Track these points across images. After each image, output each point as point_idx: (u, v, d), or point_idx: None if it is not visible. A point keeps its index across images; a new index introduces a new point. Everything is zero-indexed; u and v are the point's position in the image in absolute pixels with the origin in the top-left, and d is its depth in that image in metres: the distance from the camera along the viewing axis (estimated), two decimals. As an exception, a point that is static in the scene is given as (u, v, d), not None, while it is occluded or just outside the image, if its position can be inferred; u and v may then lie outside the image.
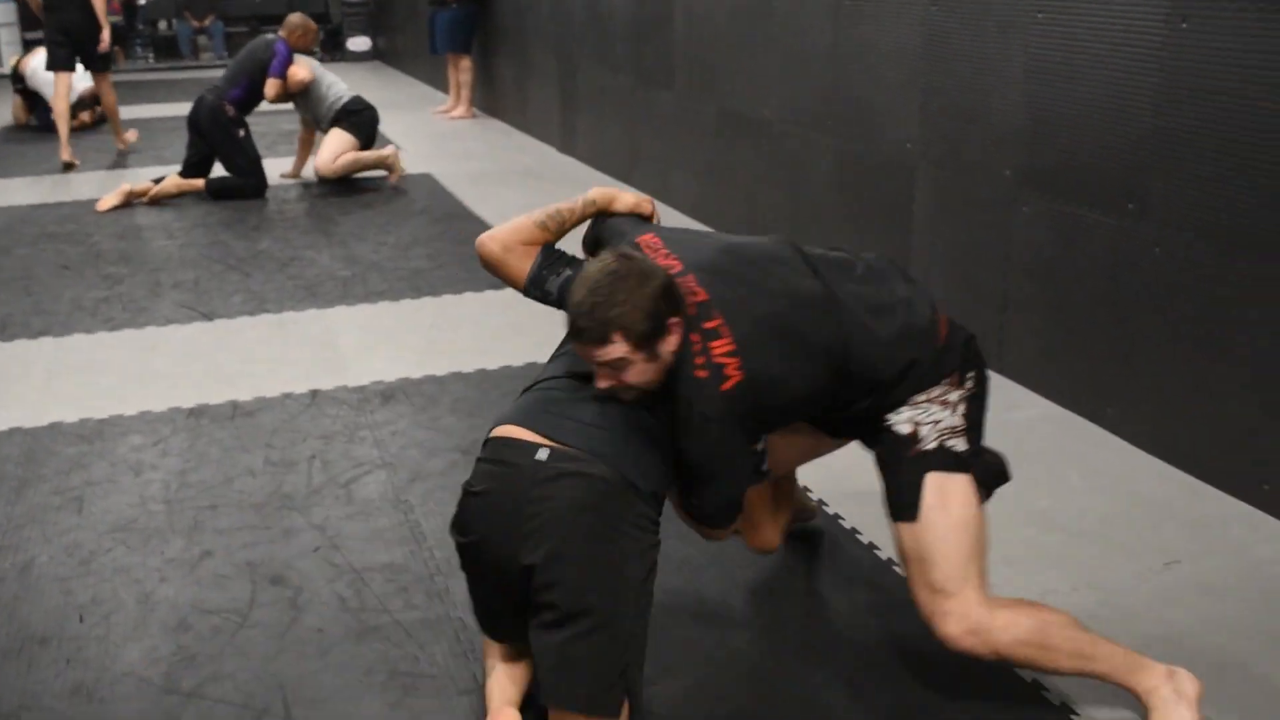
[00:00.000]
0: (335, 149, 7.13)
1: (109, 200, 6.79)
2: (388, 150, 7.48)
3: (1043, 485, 3.20)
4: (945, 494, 2.24)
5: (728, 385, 2.13)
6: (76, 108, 9.70)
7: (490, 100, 10.26)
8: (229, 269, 5.51)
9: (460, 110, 10.27)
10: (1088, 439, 3.47)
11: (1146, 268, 3.30)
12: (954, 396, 2.30)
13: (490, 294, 5.05)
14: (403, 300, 5.01)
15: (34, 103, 9.94)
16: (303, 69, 7.03)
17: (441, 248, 5.84)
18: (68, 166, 8.04)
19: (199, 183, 6.92)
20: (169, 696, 2.39)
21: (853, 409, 2.32)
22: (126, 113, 10.51)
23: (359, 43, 15.52)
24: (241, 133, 6.95)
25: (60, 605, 2.73)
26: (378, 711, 2.33)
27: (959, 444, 2.28)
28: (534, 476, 2.11)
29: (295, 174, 7.66)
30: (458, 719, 2.30)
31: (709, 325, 2.16)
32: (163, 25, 16.99)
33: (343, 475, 3.35)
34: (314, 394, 3.96)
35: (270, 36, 7.17)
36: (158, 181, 6.93)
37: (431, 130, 9.61)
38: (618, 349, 2.08)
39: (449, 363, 4.21)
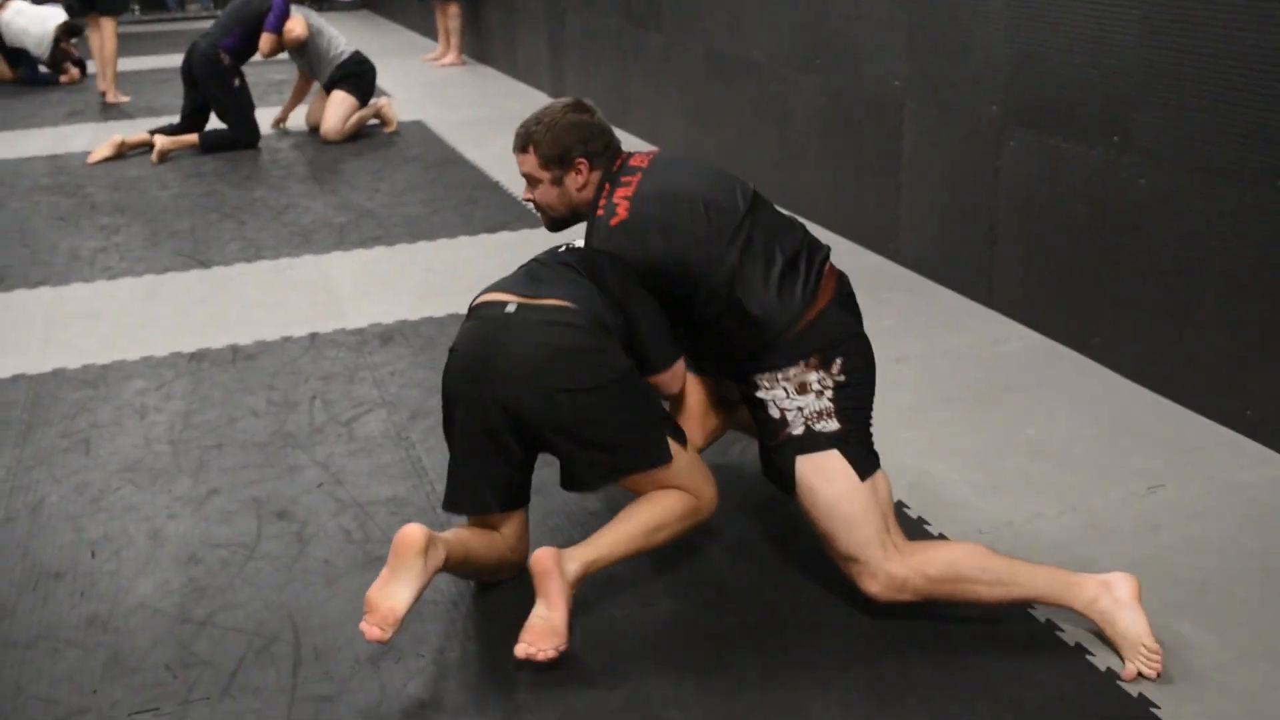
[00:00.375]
0: (341, 114, 7.09)
1: (101, 152, 6.80)
2: (382, 101, 7.48)
3: (1031, 414, 3.27)
4: (821, 472, 2.36)
5: (614, 220, 2.47)
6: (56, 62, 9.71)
7: (479, 46, 10.24)
8: (224, 218, 5.54)
9: (450, 57, 10.25)
10: (1074, 369, 3.54)
11: (1130, 199, 3.35)
12: (814, 380, 2.40)
13: (485, 238, 5.10)
14: (398, 245, 5.05)
15: (17, 58, 9.90)
16: (299, 25, 6.97)
17: (436, 194, 5.87)
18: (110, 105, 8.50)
19: (193, 138, 6.91)
20: (182, 626, 2.46)
21: (712, 339, 2.48)
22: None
23: (346, -9, 15.43)
24: (236, 82, 6.92)
25: (72, 542, 2.80)
26: (385, 636, 2.40)
27: (829, 425, 2.38)
28: (505, 324, 2.38)
29: (282, 120, 7.63)
30: (461, 643, 2.38)
31: (625, 179, 2.52)
32: (148, -24, 16.82)
33: (344, 414, 3.41)
34: (313, 337, 4.01)
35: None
36: (153, 133, 6.91)
37: (422, 78, 9.59)
38: (528, 161, 2.58)
39: (447, 304, 4.26)
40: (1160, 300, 3.31)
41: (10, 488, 3.07)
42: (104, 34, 8.52)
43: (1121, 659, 2.22)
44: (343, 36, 7.31)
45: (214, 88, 6.86)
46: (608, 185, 2.55)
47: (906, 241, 4.44)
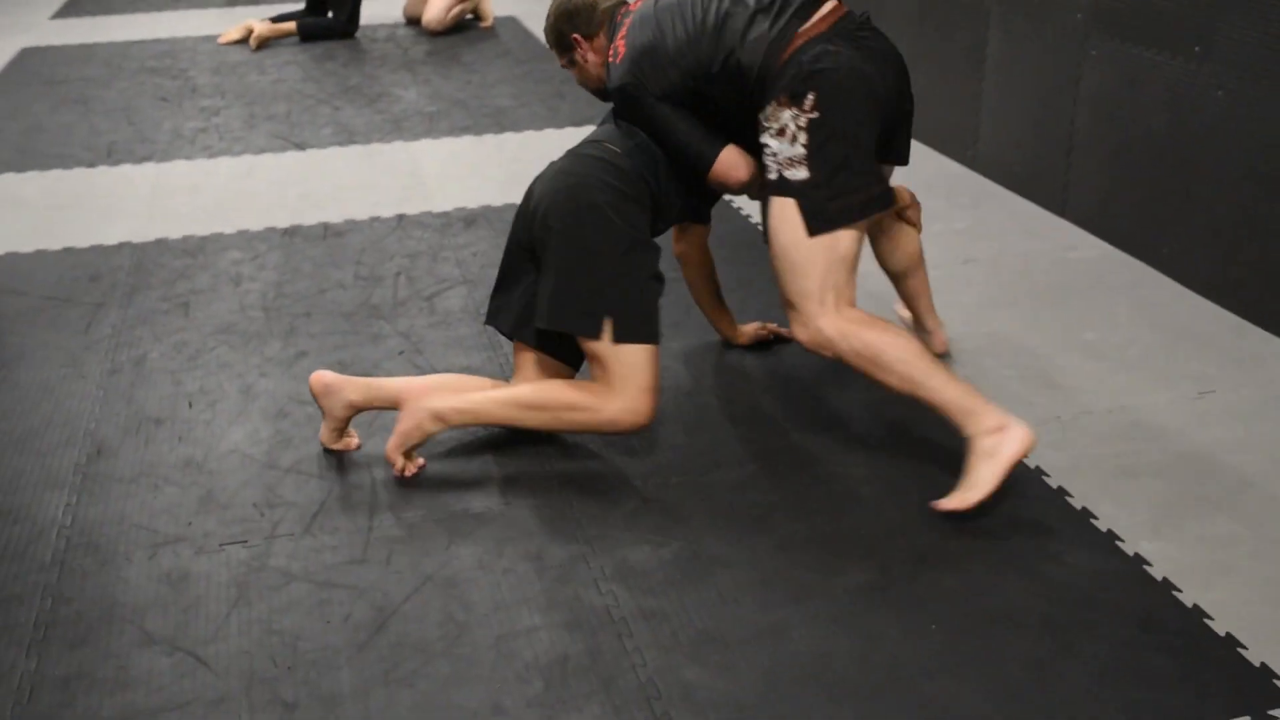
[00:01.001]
0: (445, 3, 7.22)
1: (231, 34, 7.04)
2: None
3: (1091, 318, 3.33)
4: (778, 219, 2.54)
5: (617, 59, 2.68)
6: None
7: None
8: (319, 103, 5.71)
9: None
10: (1141, 278, 3.58)
11: (1208, 109, 3.36)
12: (789, 121, 2.49)
13: (570, 130, 5.20)
14: (485, 135, 5.18)
15: None
16: None
17: (525, 88, 5.97)
18: None
19: (291, 25, 7.08)
20: (270, 471, 2.66)
21: (723, 94, 2.63)
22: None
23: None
24: None
25: (171, 393, 3.01)
26: (459, 473, 2.57)
27: (798, 172, 2.50)
28: (543, 177, 2.69)
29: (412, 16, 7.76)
30: (525, 497, 2.54)
31: (621, 23, 2.73)
32: None
33: (426, 290, 3.57)
34: (400, 218, 4.17)
35: None
36: (276, 20, 7.11)
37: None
38: (558, 59, 2.90)
39: (528, 193, 4.39)
40: (1232, 211, 3.33)
41: (116, 343, 3.28)
42: None
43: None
44: None
45: None
46: (611, 42, 2.77)
47: (985, 147, 4.47)
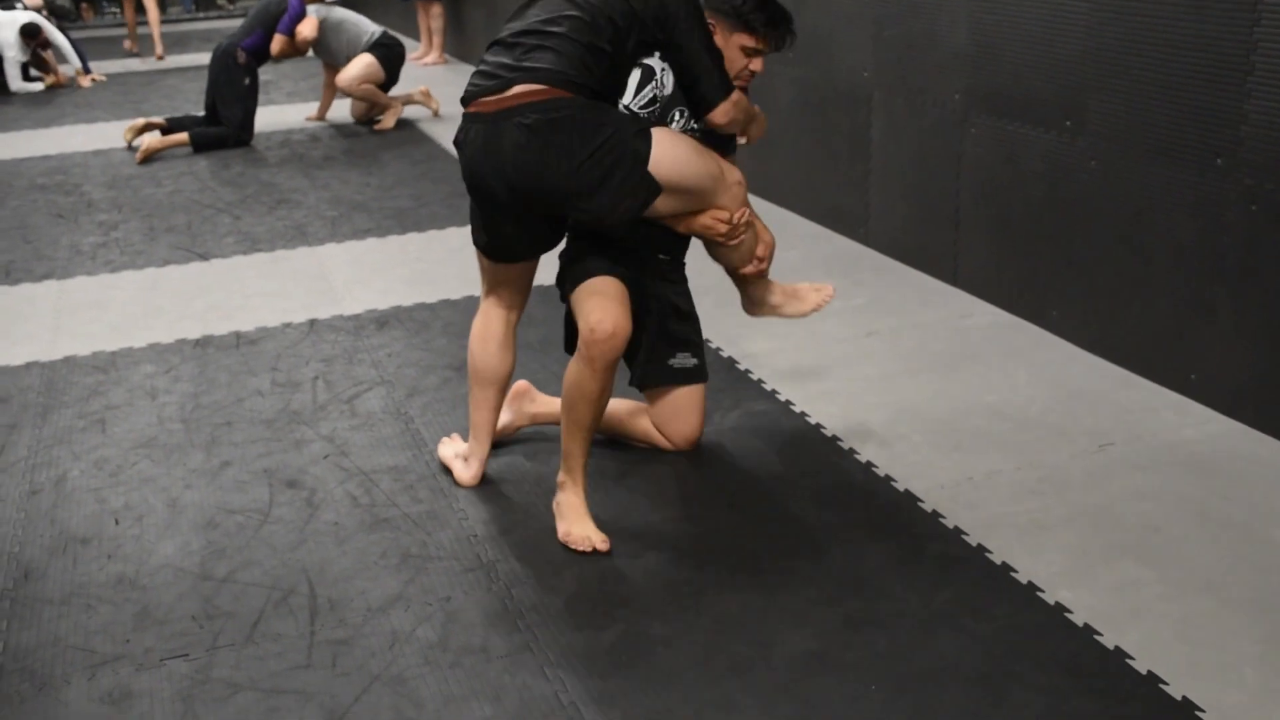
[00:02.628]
0: (361, 70, 7.33)
1: (137, 124, 7.19)
2: (412, 93, 7.74)
3: (992, 382, 3.49)
4: None
5: None
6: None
7: (462, 46, 10.42)
8: (219, 212, 5.73)
9: (433, 56, 10.43)
10: (1033, 340, 3.76)
11: (1084, 179, 3.57)
12: None
13: (473, 228, 5.29)
14: (389, 237, 5.24)
15: None
16: (310, 27, 7.22)
17: (424, 188, 6.06)
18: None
19: (183, 136, 7.10)
20: (205, 582, 2.66)
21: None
22: (96, 67, 10.67)
23: (327, -7, 15.56)
24: (246, 81, 7.14)
25: (96, 511, 2.99)
26: (393, 588, 2.60)
27: None
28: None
29: (320, 116, 7.86)
30: (464, 591, 2.58)
31: None
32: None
33: (345, 393, 3.61)
34: (312, 323, 4.20)
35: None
36: (166, 131, 7.15)
37: (406, 76, 9.73)
38: None
39: (438, 291, 4.46)
40: (1111, 274, 3.53)
41: (33, 464, 3.25)
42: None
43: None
44: (371, 23, 7.52)
45: (223, 83, 7.12)
46: None
47: (876, 225, 4.66)
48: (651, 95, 2.80)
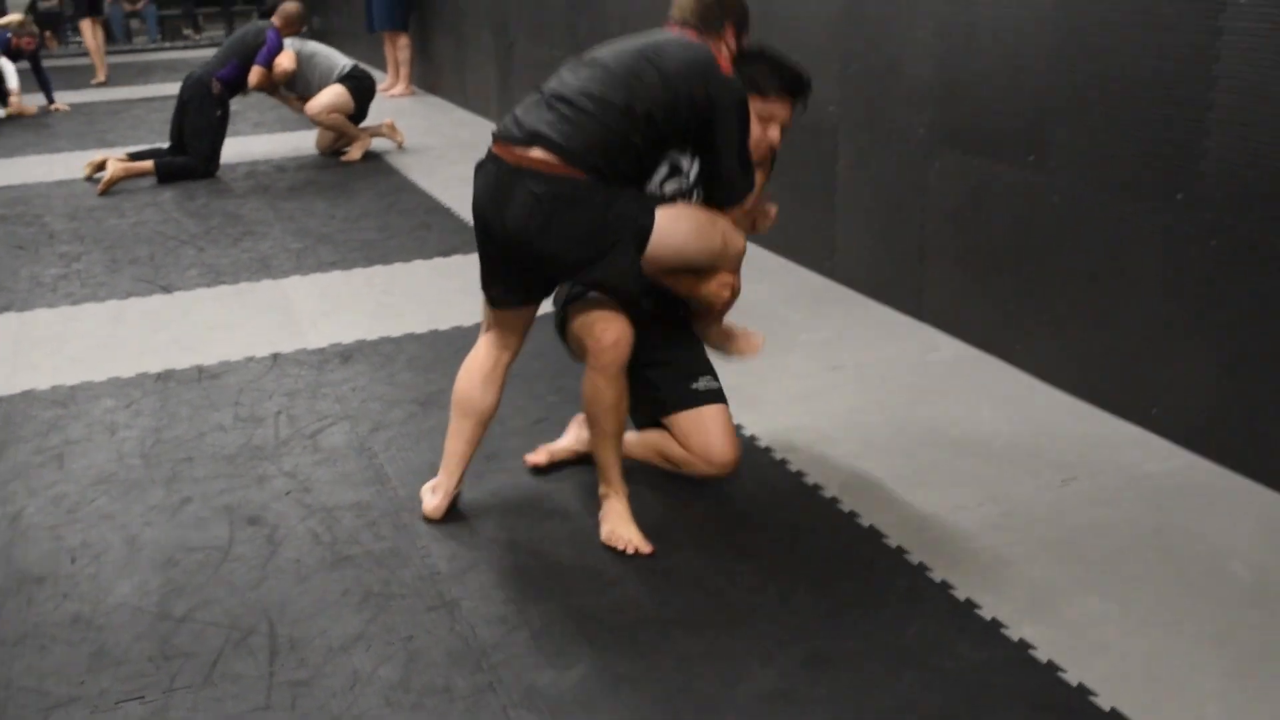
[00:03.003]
0: (331, 102, 7.35)
1: (95, 161, 7.12)
2: (379, 126, 7.76)
3: (956, 416, 3.50)
4: None
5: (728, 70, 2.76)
6: None
7: (429, 77, 10.43)
8: (182, 244, 5.69)
9: (400, 88, 10.43)
10: (998, 374, 3.78)
11: (1046, 215, 3.60)
12: None
13: (439, 261, 5.28)
14: (354, 270, 5.22)
15: None
16: (288, 60, 7.24)
17: (390, 220, 6.04)
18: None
19: (148, 165, 7.06)
20: (163, 622, 2.62)
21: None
22: (61, 98, 10.63)
23: (294, 23, 15.54)
24: (219, 113, 7.14)
25: (52, 549, 2.94)
26: (355, 627, 2.57)
27: None
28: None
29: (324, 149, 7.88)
30: (427, 630, 2.55)
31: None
32: (95, 9, 16.86)
33: (308, 428, 3.58)
34: (275, 357, 4.17)
35: (262, 23, 7.39)
36: (132, 158, 7.11)
37: (373, 108, 9.73)
38: (682, 29, 2.92)
39: (403, 325, 4.44)
40: (1074, 308, 3.55)
41: (-12, 501, 3.20)
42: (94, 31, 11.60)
43: None
44: (342, 55, 7.53)
45: (194, 112, 7.10)
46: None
47: (842, 259, 4.67)
48: (676, 188, 2.87)
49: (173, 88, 11.19)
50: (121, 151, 7.36)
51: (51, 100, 10.23)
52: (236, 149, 7.95)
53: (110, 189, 6.84)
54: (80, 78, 12.48)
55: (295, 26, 7.43)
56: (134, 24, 16.82)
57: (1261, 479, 3.04)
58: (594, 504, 3.02)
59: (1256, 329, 3.00)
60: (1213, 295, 3.10)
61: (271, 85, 7.35)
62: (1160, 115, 3.17)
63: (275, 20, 7.32)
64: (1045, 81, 3.53)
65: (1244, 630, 2.46)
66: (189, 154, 7.12)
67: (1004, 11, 3.65)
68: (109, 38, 15.10)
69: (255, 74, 7.19)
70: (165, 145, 7.38)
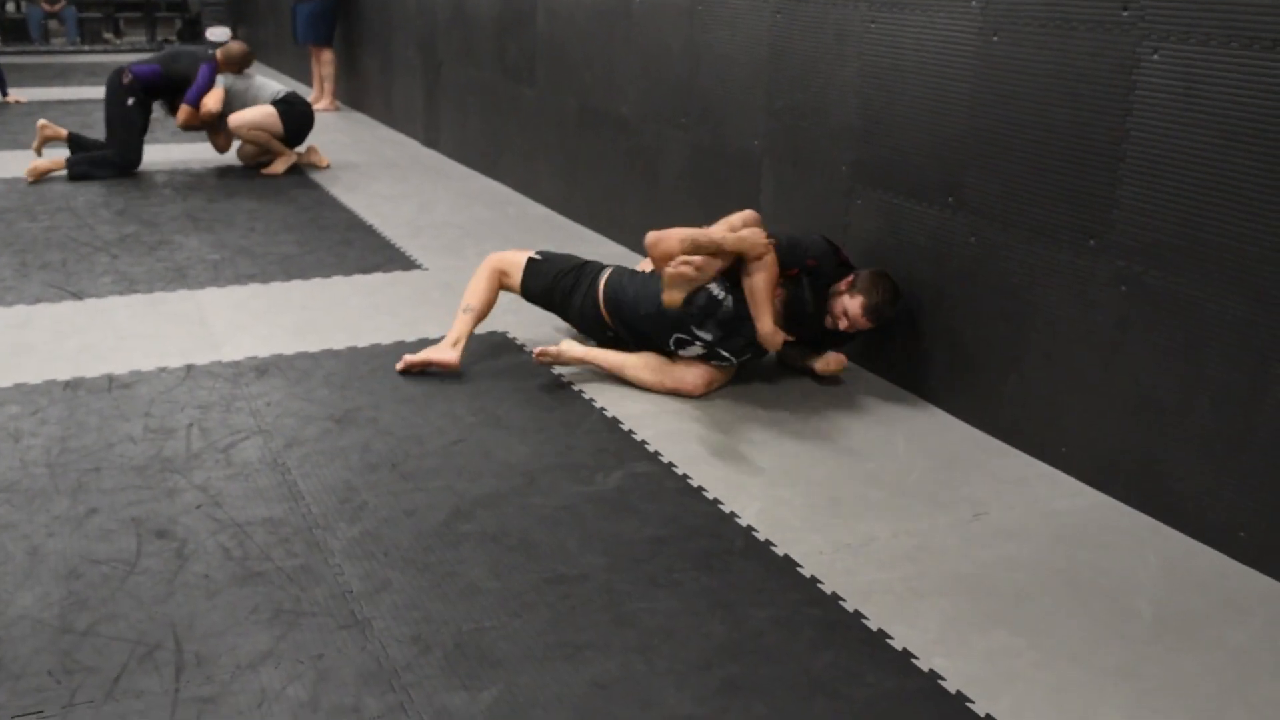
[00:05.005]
0: (255, 119, 7.23)
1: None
2: (300, 152, 7.67)
3: (871, 450, 3.55)
4: None
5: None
6: None
7: (354, 93, 10.36)
8: (96, 251, 5.58)
9: (324, 103, 10.35)
10: (913, 410, 3.84)
11: (964, 254, 3.68)
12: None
13: (360, 278, 5.24)
14: (273, 283, 5.16)
15: None
16: (215, 101, 7.10)
17: (310, 234, 5.98)
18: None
19: (64, 132, 7.09)
20: (65, 635, 2.55)
21: None
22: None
23: (218, 33, 15.35)
24: (130, 101, 7.01)
25: (-50, 558, 2.86)
26: (264, 644, 2.53)
27: None
28: None
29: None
30: (337, 649, 2.52)
31: None
32: (11, 7, 16.58)
33: (221, 441, 3.52)
34: (189, 368, 4.10)
35: (202, 53, 7.20)
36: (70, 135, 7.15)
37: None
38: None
39: (321, 340, 4.40)
40: (989, 347, 3.63)
41: (-117, 507, 3.10)
42: None
43: None
44: (280, 86, 7.45)
45: (108, 102, 7.04)
46: None
47: (763, 290, 4.71)
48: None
49: (90, 91, 11.03)
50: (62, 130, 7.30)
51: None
52: (157, 155, 7.82)
53: (38, 179, 6.88)
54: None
55: (234, 66, 7.24)
56: (52, 25, 16.49)
57: (1165, 518, 3.13)
58: (512, 527, 3.01)
59: (1162, 373, 3.09)
60: (1120, 338, 3.19)
61: (200, 123, 7.21)
62: (1074, 163, 3.26)
63: (217, 55, 7.21)
64: (964, 126, 3.61)
65: (1146, 664, 2.52)
66: (107, 144, 7.07)
67: (927, 57, 3.73)
68: (24, 38, 14.82)
69: (182, 113, 7.11)
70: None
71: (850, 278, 3.82)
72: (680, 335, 3.88)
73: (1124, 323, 3.18)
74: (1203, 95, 2.91)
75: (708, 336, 3.84)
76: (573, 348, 4.03)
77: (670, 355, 3.97)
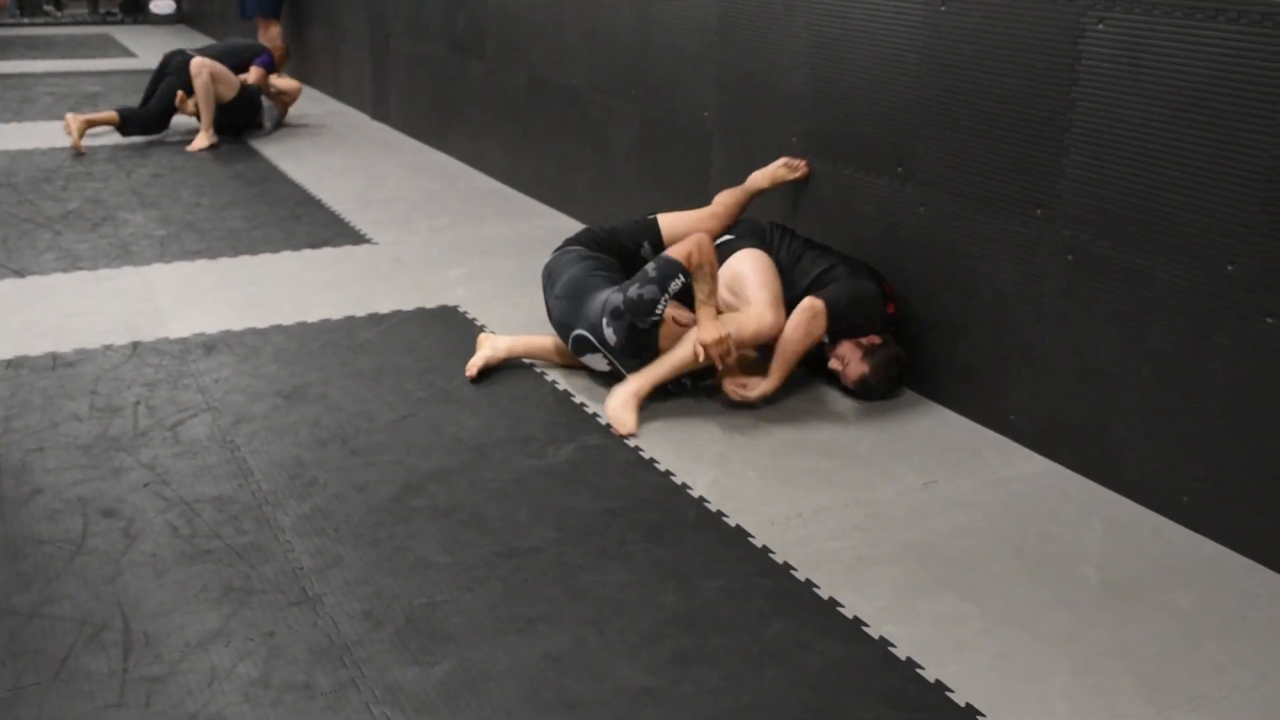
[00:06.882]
0: (219, 72, 7.55)
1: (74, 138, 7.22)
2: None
3: (821, 420, 3.57)
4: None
5: None
6: None
7: (302, 67, 10.23)
8: (39, 227, 5.48)
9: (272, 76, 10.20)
10: (863, 380, 3.86)
11: (913, 224, 3.69)
12: None
13: (308, 253, 5.19)
14: (220, 259, 5.10)
15: None
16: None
17: (258, 210, 5.92)
18: None
19: (112, 114, 7.44)
20: (10, 617, 2.52)
21: None
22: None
23: (163, 4, 15.12)
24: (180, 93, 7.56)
25: (-109, 541, 2.81)
26: (214, 623, 2.51)
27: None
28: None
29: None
30: (288, 626, 2.51)
31: None
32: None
33: (169, 419, 3.48)
34: (135, 346, 4.05)
35: (257, 44, 8.14)
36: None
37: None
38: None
39: (269, 316, 4.35)
40: (937, 316, 3.65)
41: None
42: None
43: None
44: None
45: (160, 81, 7.55)
46: None
47: (715, 262, 4.71)
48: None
49: (32, 65, 10.81)
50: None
51: None
52: (101, 131, 7.68)
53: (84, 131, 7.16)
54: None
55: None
56: (-10, -2, 16.13)
57: (1110, 484, 3.17)
58: (463, 501, 3.01)
59: (1107, 341, 3.12)
60: (1067, 307, 3.22)
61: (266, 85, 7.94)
62: (1022, 133, 3.27)
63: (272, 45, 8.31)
64: (912, 96, 3.62)
65: (1092, 629, 2.55)
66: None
67: (876, 26, 3.73)
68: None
69: (256, 73, 7.80)
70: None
71: (878, 340, 3.65)
72: (581, 334, 3.70)
73: (1070, 291, 3.20)
74: (1147, 65, 2.93)
75: (613, 341, 3.61)
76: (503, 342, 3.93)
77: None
